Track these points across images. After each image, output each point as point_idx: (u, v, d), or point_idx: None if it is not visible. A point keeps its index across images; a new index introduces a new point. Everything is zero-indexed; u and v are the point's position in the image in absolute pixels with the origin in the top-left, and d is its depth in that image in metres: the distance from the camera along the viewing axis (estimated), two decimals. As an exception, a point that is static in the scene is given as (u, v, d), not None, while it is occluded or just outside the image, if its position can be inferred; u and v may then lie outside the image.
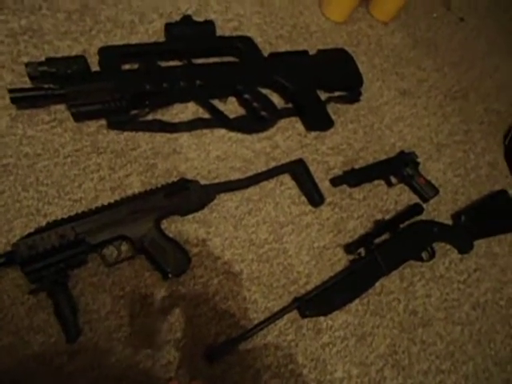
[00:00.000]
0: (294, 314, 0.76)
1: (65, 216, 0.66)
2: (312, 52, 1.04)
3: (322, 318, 0.78)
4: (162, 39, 0.92)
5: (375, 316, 0.83)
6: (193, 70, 0.85)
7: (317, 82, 1.00)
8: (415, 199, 0.99)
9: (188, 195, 0.74)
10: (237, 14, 1.06)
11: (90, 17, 0.89)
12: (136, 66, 0.83)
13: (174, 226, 0.76)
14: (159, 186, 0.74)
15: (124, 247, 0.69)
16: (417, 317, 0.86)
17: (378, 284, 0.83)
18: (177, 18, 0.92)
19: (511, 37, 1.61)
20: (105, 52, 0.80)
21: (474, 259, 0.98)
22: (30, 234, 0.61)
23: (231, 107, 0.91)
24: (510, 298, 0.98)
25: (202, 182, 0.78)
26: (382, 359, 0.79)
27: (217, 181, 0.81)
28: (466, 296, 0.93)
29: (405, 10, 1.32)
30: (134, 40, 0.90)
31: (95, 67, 0.80)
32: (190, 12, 0.98)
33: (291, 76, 0.94)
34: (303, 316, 0.75)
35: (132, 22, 0.92)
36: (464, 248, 0.96)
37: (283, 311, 0.74)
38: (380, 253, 0.83)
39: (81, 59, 0.74)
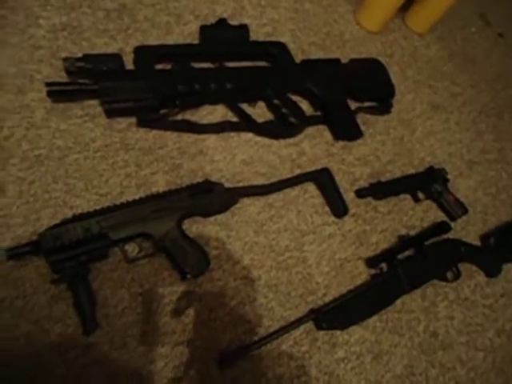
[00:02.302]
0: (310, 325, 0.75)
1: (90, 210, 0.67)
2: (345, 61, 1.03)
3: (338, 332, 0.76)
4: (196, 41, 0.93)
5: (393, 334, 0.80)
6: (224, 73, 0.86)
7: (347, 91, 0.99)
8: (442, 217, 0.96)
9: (211, 197, 0.74)
10: (271, 20, 1.06)
11: (128, 16, 0.91)
12: (169, 67, 0.84)
13: (196, 227, 0.76)
14: (184, 186, 0.74)
15: (145, 244, 0.70)
16: (437, 339, 0.83)
17: (398, 301, 0.81)
18: (212, 20, 0.93)
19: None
20: (140, 51, 0.82)
21: (501, 283, 0.94)
22: (56, 225, 0.62)
23: (260, 112, 0.91)
24: (537, 327, 0.93)
25: (226, 184, 0.78)
26: (398, 380, 0.77)
27: (241, 184, 0.81)
28: (490, 321, 0.89)
29: (442, 23, 1.29)
30: (169, 40, 0.91)
31: (130, 65, 0.82)
32: (225, 15, 0.99)
33: (322, 84, 0.94)
34: (319, 328, 0.74)
35: (168, 23, 0.93)
36: (492, 271, 0.92)
37: (299, 321, 0.72)
38: (403, 269, 0.80)
39: (116, 57, 0.76)
